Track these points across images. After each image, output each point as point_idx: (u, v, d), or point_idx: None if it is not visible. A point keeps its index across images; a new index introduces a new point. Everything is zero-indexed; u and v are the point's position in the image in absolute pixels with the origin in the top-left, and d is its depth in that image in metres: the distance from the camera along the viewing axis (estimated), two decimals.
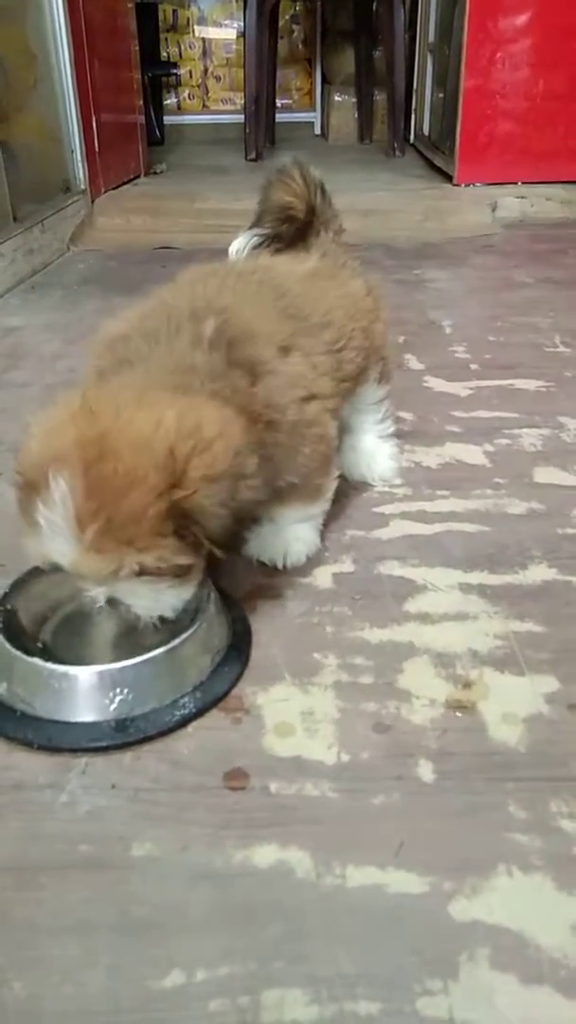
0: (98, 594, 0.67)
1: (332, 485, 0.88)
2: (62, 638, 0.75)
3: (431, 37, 3.20)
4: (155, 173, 3.17)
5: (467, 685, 0.71)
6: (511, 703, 0.69)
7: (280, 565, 0.87)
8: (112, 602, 0.67)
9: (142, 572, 0.64)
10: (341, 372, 0.87)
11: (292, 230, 1.03)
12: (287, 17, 3.99)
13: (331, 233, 1.02)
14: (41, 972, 0.50)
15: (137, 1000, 0.48)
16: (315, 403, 0.79)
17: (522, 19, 2.55)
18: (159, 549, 0.63)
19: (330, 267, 0.96)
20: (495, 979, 0.49)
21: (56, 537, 0.62)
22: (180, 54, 4.08)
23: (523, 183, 2.67)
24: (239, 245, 1.03)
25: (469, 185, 2.71)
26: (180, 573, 0.67)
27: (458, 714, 0.68)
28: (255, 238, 1.03)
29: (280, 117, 3.89)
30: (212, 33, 4.10)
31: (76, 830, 0.59)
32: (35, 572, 0.78)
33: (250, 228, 1.04)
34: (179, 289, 0.84)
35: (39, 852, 0.58)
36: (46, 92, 2.30)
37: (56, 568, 0.66)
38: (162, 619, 0.69)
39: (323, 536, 0.91)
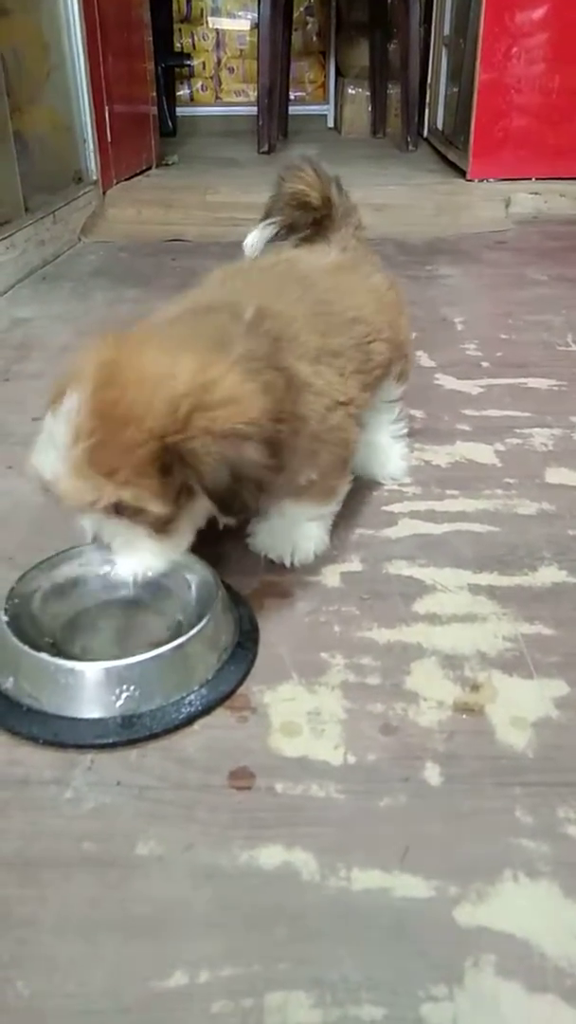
0: (87, 526, 0.69)
1: (346, 488, 0.88)
2: (70, 633, 0.75)
3: (446, 30, 3.18)
4: (167, 165, 3.16)
5: (475, 688, 0.71)
6: (520, 707, 0.69)
7: (288, 562, 0.86)
8: (99, 541, 0.69)
9: (119, 509, 0.65)
10: (370, 364, 0.86)
11: (308, 219, 1.01)
12: (301, 9, 3.97)
13: (351, 228, 1.01)
14: (44, 970, 0.50)
15: (140, 1000, 0.48)
16: (341, 410, 0.80)
17: (539, 13, 2.52)
18: (137, 488, 0.64)
19: (352, 260, 0.95)
20: (500, 987, 0.48)
21: (50, 449, 0.63)
22: (194, 45, 4.06)
23: (537, 179, 2.65)
24: (253, 239, 1.01)
25: (483, 180, 2.69)
26: (157, 523, 0.67)
27: (466, 717, 0.68)
28: (269, 228, 1.01)
29: (293, 110, 3.87)
30: (226, 24, 4.08)
31: (80, 827, 0.59)
32: (44, 566, 0.78)
33: (262, 220, 1.02)
34: (209, 288, 0.84)
35: (42, 848, 0.57)
36: (59, 82, 2.29)
37: (44, 488, 0.66)
38: (150, 588, 0.73)
39: (331, 534, 0.91)
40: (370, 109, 3.84)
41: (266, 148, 3.28)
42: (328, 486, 0.84)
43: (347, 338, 0.83)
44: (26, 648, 0.68)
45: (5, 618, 0.71)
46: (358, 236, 1.02)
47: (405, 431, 1.06)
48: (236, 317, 0.74)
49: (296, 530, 0.87)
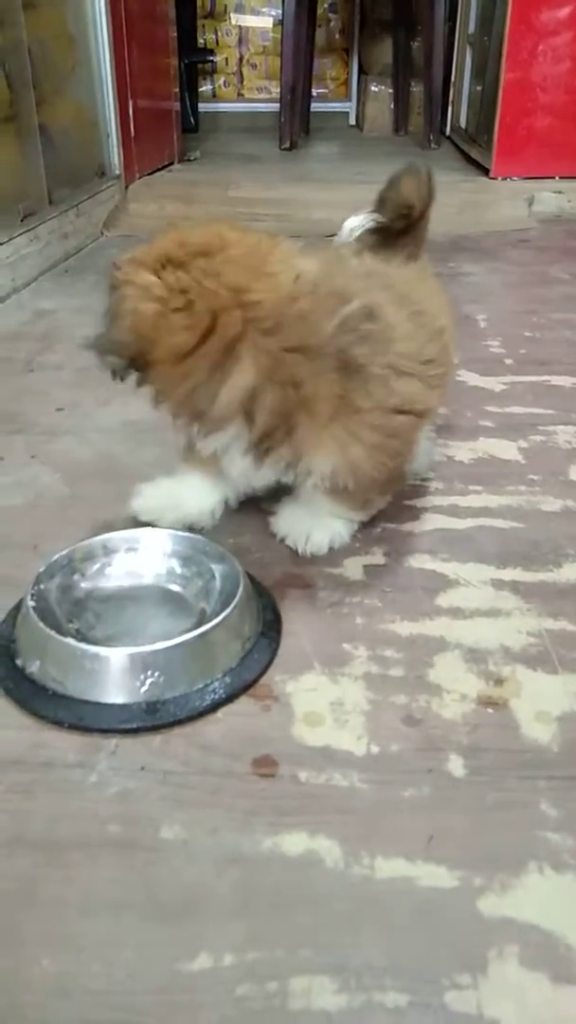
0: None
1: (382, 504, 0.88)
2: (96, 620, 0.75)
3: (471, 28, 3.16)
4: (189, 160, 3.16)
5: (499, 682, 0.71)
6: (544, 701, 0.68)
7: (301, 550, 0.86)
8: None
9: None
10: (447, 368, 0.89)
11: (399, 226, 0.99)
12: (325, 6, 3.96)
13: (422, 242, 1.00)
14: (70, 950, 0.50)
15: (165, 981, 0.48)
16: (411, 418, 0.81)
17: (565, 11, 2.50)
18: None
19: (420, 269, 0.96)
20: (525, 977, 0.48)
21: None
22: (217, 41, 4.06)
23: (561, 178, 2.63)
24: (355, 223, 0.99)
25: (506, 179, 2.68)
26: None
27: (490, 710, 0.68)
28: (372, 222, 0.98)
29: (315, 107, 3.86)
30: (249, 21, 4.07)
31: (105, 810, 0.59)
32: (69, 553, 0.78)
33: (372, 211, 1.00)
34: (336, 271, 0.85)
35: (68, 830, 0.58)
36: (84, 76, 2.30)
37: None
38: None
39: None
40: (392, 107, 3.82)
41: (288, 145, 3.27)
42: (366, 499, 0.85)
43: (438, 345, 0.85)
44: (52, 633, 0.68)
45: (31, 603, 0.71)
46: (422, 248, 1.01)
47: (434, 433, 1.06)
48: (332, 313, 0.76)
49: (317, 520, 0.87)
